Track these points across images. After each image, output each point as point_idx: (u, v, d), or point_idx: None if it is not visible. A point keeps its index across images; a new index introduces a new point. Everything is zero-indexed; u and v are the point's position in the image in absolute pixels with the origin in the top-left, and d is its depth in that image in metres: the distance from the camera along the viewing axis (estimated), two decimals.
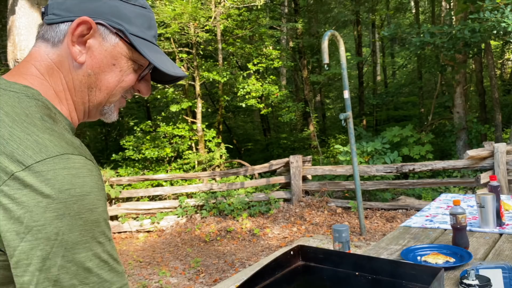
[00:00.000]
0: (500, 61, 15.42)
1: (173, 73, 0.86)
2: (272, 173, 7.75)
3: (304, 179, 6.97)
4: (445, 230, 2.27)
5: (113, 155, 9.70)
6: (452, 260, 1.81)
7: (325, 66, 5.01)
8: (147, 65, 0.87)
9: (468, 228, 2.14)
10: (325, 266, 1.40)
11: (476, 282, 1.06)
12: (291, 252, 1.46)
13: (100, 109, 0.85)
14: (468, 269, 1.08)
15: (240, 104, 10.10)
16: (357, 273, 1.32)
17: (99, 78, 0.81)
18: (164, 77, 0.93)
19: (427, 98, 14.31)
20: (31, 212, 0.63)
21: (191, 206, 7.12)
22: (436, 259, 1.81)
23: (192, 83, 9.36)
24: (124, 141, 9.62)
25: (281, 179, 7.11)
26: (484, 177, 5.32)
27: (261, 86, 9.36)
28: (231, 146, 10.67)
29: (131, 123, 11.03)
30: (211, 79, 9.12)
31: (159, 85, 9.61)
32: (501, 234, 2.12)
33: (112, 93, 0.84)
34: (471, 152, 5.57)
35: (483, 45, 8.84)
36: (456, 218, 1.95)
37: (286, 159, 7.05)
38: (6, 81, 0.75)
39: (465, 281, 1.08)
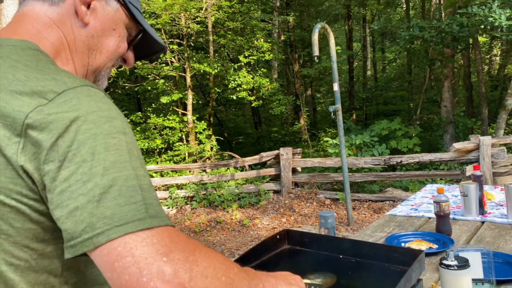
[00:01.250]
0: (488, 57, 15.60)
1: (161, 42, 0.90)
2: (263, 165, 7.79)
3: (294, 171, 7.02)
4: (429, 218, 2.33)
5: None
6: (435, 246, 1.86)
7: (315, 58, 5.04)
8: (137, 33, 0.89)
9: (451, 216, 2.20)
10: (310, 250, 1.43)
11: (455, 262, 1.10)
12: (278, 236, 1.49)
13: (96, 74, 0.85)
14: (448, 250, 1.12)
15: (231, 96, 10.09)
16: (341, 256, 1.35)
17: (101, 41, 0.82)
18: (146, 50, 0.95)
19: (416, 93, 14.44)
20: (62, 138, 0.60)
21: (181, 197, 7.14)
22: (420, 246, 1.86)
23: (183, 74, 9.33)
24: None
25: (271, 171, 7.15)
26: (469, 170, 5.42)
27: (252, 78, 9.36)
28: (222, 139, 10.68)
29: None
30: (202, 71, 9.10)
31: (149, 76, 9.57)
32: (483, 222, 2.18)
33: (110, 58, 0.84)
34: (458, 145, 5.66)
35: (471, 40, 8.94)
36: (440, 205, 2.00)
37: (276, 151, 7.09)
38: (0, 39, 0.72)
39: (444, 261, 1.12)
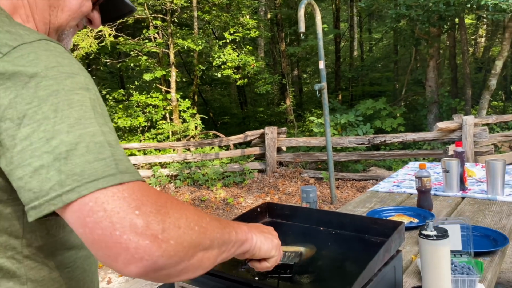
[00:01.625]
0: (473, 38, 15.67)
1: (130, 3, 0.85)
2: (247, 144, 7.76)
3: (279, 150, 7.02)
4: (411, 194, 2.34)
5: None
6: (415, 220, 1.87)
7: (301, 35, 4.97)
8: None
9: (432, 192, 2.21)
10: (291, 222, 1.42)
11: (434, 233, 1.09)
12: (258, 209, 1.46)
13: (59, 33, 0.81)
14: (428, 221, 1.11)
15: (216, 74, 9.97)
16: (321, 228, 1.34)
17: None
18: (114, 11, 0.90)
19: (401, 74, 14.48)
20: (21, 96, 0.57)
21: (165, 176, 7.09)
22: (401, 220, 1.87)
23: (166, 51, 9.15)
24: None
25: (256, 150, 7.13)
26: (452, 149, 5.48)
27: (238, 56, 9.23)
28: (206, 117, 10.58)
29: (104, 92, 10.74)
30: (186, 48, 8.92)
31: (132, 52, 9.36)
32: (463, 198, 2.19)
33: (73, 16, 0.80)
34: (441, 124, 5.71)
35: (457, 20, 8.94)
36: (421, 181, 2.00)
37: (261, 131, 7.06)
38: None
39: (423, 232, 1.11)
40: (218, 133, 9.31)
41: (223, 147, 8.21)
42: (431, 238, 1.09)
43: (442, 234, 1.10)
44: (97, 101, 0.63)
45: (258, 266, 0.85)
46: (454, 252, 1.37)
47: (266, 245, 0.81)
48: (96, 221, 0.54)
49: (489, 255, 1.48)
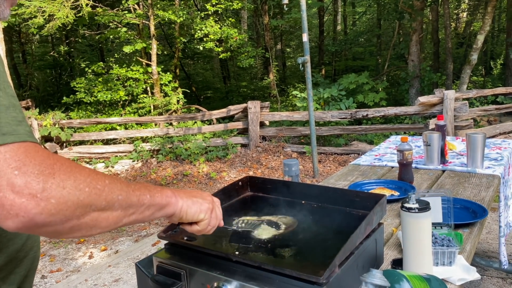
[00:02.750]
0: (456, 12, 15.68)
1: None
2: (230, 118, 7.70)
3: (262, 125, 6.98)
4: (392, 167, 2.35)
5: (64, 98, 9.23)
6: (397, 193, 1.88)
7: (284, 6, 4.87)
8: None
9: (414, 165, 2.21)
10: (272, 196, 1.40)
11: (416, 205, 1.09)
12: (240, 183, 1.44)
13: None
14: (410, 194, 1.10)
15: (198, 47, 9.77)
16: (303, 202, 1.32)
17: None
18: None
19: (384, 49, 14.47)
20: None
21: (147, 151, 7.00)
22: (382, 193, 1.87)
23: (147, 22, 8.88)
24: (75, 82, 9.15)
25: (239, 125, 7.08)
26: (432, 123, 5.53)
27: (220, 28, 9.04)
28: (188, 91, 10.42)
29: (83, 65, 10.45)
30: (166, 19, 8.68)
31: (110, 24, 9.07)
32: (443, 171, 2.21)
33: None
34: (422, 99, 5.74)
35: None
36: (403, 154, 2.00)
37: (244, 105, 6.99)
38: None
39: (405, 204, 1.10)
40: (200, 108, 9.20)
41: (206, 122, 8.14)
42: (413, 211, 1.09)
43: (424, 207, 1.09)
44: None
45: (188, 229, 0.88)
46: (434, 224, 1.38)
47: (193, 209, 0.84)
48: None
49: (469, 227, 1.50)
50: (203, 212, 0.86)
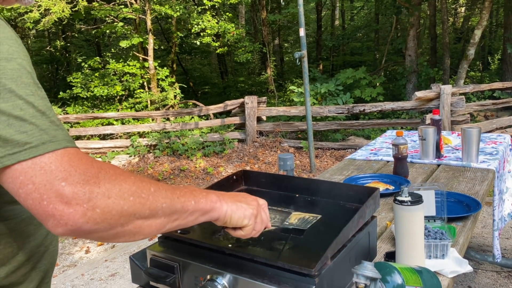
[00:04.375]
0: (453, 6, 15.67)
1: None
2: (227, 114, 7.69)
3: (259, 120, 6.98)
4: (388, 161, 2.35)
5: (61, 93, 9.20)
6: (391, 187, 1.89)
7: (282, 1, 4.85)
8: None
9: (409, 159, 2.22)
10: (267, 190, 1.40)
11: (409, 198, 1.09)
12: (234, 177, 1.44)
13: None
14: (402, 187, 1.11)
15: (195, 42, 9.73)
16: (297, 195, 1.33)
17: None
18: None
19: (382, 44, 14.46)
20: None
21: (144, 146, 7.00)
22: (377, 187, 1.88)
23: (143, 17, 8.84)
24: (71, 77, 9.11)
25: (236, 120, 7.08)
26: (429, 118, 5.54)
27: (217, 23, 9.00)
28: (185, 86, 10.40)
29: (79, 60, 10.40)
30: (163, 14, 8.63)
31: (107, 18, 9.03)
32: (439, 165, 2.22)
33: None
34: (419, 93, 5.75)
35: None
36: (398, 148, 2.01)
37: (241, 100, 6.98)
38: None
39: (398, 197, 1.11)
40: (197, 103, 9.18)
41: (203, 117, 8.12)
42: (406, 204, 1.09)
43: (416, 200, 1.10)
44: (20, 71, 0.61)
45: (233, 233, 0.88)
46: (428, 218, 1.39)
47: (237, 214, 0.83)
48: (27, 193, 0.58)
49: (462, 220, 1.51)
50: (247, 218, 0.85)
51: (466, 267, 1.18)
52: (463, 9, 16.07)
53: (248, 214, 0.85)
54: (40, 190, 0.57)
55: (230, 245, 1.01)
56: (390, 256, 1.21)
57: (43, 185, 0.57)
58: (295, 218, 1.15)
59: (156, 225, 0.67)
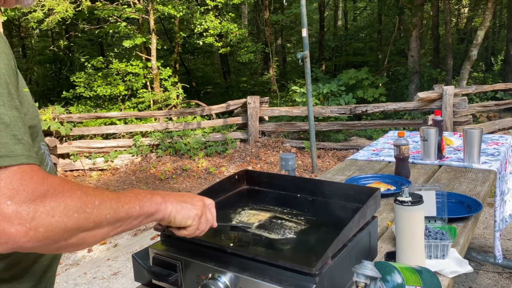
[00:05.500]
0: (456, 7, 15.63)
1: None
2: (230, 114, 7.70)
3: (261, 120, 6.99)
4: (390, 162, 2.36)
5: (64, 92, 9.23)
6: (393, 188, 1.89)
7: (285, 1, 4.86)
8: None
9: (410, 160, 2.23)
10: (268, 190, 1.41)
11: (409, 198, 1.10)
12: (236, 177, 1.45)
13: None
14: (403, 187, 1.11)
15: (198, 42, 9.74)
16: (298, 195, 1.34)
17: None
18: None
19: (385, 44, 14.45)
20: None
21: (146, 145, 7.01)
22: (378, 187, 1.88)
23: (146, 17, 8.86)
24: (74, 77, 9.15)
25: (238, 120, 7.08)
26: (431, 119, 5.53)
27: (220, 23, 9.01)
28: (188, 86, 10.42)
29: (82, 59, 10.43)
30: (166, 14, 8.65)
31: (110, 18, 9.05)
32: (440, 166, 2.22)
33: None
34: (422, 94, 5.75)
35: None
36: (400, 149, 2.01)
37: (243, 100, 6.99)
38: None
39: (399, 198, 1.12)
40: (200, 102, 9.20)
41: (205, 117, 8.14)
42: (406, 204, 1.10)
43: (417, 200, 1.10)
44: None
45: (177, 232, 0.89)
46: (428, 218, 1.39)
47: (181, 215, 0.85)
48: None
49: (463, 221, 1.51)
50: (190, 218, 0.86)
51: (466, 268, 1.19)
52: (466, 9, 16.04)
53: (192, 215, 0.86)
54: None
55: (231, 244, 1.03)
56: (391, 256, 1.22)
57: None
58: (246, 215, 1.19)
59: (100, 234, 0.69)
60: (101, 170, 6.84)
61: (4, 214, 0.57)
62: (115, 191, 0.74)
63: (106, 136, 7.72)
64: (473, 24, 14.56)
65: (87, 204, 0.65)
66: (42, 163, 0.84)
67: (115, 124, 7.93)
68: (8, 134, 0.61)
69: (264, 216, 1.19)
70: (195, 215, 0.87)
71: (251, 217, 1.18)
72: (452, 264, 1.20)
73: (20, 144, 0.62)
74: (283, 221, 1.15)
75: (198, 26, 8.79)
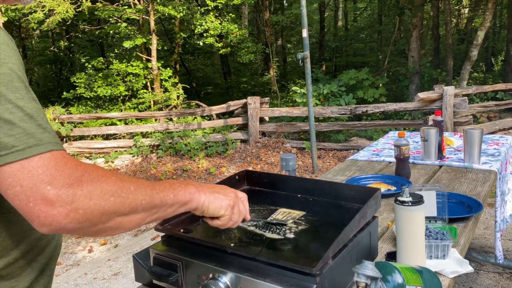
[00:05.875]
0: (457, 8, 15.64)
1: None
2: (230, 114, 7.70)
3: (262, 120, 6.99)
4: (390, 162, 2.36)
5: (64, 93, 9.24)
6: (393, 188, 1.89)
7: (285, 2, 4.86)
8: None
9: (411, 161, 2.23)
10: (269, 190, 1.41)
11: (410, 199, 1.10)
12: (236, 177, 1.45)
13: None
14: (404, 188, 1.11)
15: (198, 42, 9.75)
16: (299, 195, 1.34)
17: None
18: None
19: (385, 45, 14.46)
20: None
21: (147, 146, 7.02)
22: (378, 187, 1.88)
23: (147, 18, 8.87)
24: (75, 78, 9.15)
25: (238, 120, 7.09)
26: (431, 119, 5.53)
27: (220, 24, 9.02)
28: (188, 87, 10.42)
29: (83, 60, 10.44)
30: (166, 14, 8.66)
31: (110, 19, 9.06)
32: (440, 166, 2.22)
33: None
34: (422, 95, 5.75)
35: None
36: (400, 149, 2.01)
37: (243, 100, 6.99)
38: None
39: (399, 198, 1.12)
40: (200, 103, 9.20)
41: (206, 117, 8.14)
42: (406, 204, 1.10)
43: (417, 200, 1.10)
44: (11, 76, 0.64)
45: (210, 222, 0.92)
46: (429, 218, 1.39)
47: (214, 204, 0.87)
48: (14, 194, 0.62)
49: (463, 221, 1.51)
50: (223, 208, 0.88)
51: (467, 268, 1.19)
52: (466, 10, 16.04)
53: (224, 205, 0.89)
54: (27, 192, 0.61)
55: (232, 244, 1.03)
56: (391, 256, 1.22)
57: (30, 188, 0.61)
58: (280, 213, 1.19)
59: (136, 220, 0.72)
60: None
61: (46, 198, 0.61)
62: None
63: (107, 137, 7.73)
64: (473, 24, 14.56)
65: (122, 189, 0.68)
66: None
67: (116, 124, 7.94)
68: (34, 124, 0.64)
69: (298, 214, 1.19)
70: (228, 205, 0.89)
71: (286, 215, 1.19)
72: (453, 264, 1.20)
73: (46, 132, 0.65)
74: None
75: (199, 26, 8.79)
